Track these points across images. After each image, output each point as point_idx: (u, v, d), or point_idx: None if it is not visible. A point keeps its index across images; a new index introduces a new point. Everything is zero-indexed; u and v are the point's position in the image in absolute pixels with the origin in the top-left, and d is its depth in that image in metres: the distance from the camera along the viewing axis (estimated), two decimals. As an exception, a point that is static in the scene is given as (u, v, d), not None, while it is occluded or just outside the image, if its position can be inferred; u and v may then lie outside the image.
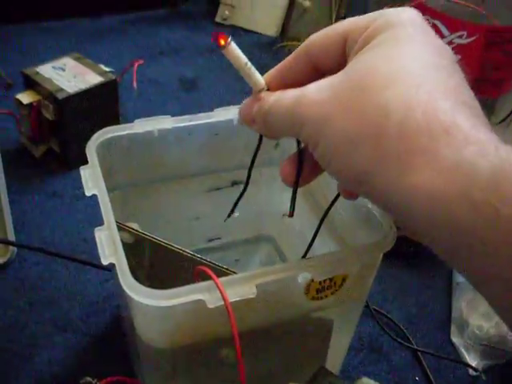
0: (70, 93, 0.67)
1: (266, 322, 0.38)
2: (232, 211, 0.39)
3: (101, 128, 0.41)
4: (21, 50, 0.96)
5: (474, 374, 0.54)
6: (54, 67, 0.71)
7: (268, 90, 0.29)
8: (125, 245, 0.33)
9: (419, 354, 0.55)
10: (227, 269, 0.38)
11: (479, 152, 0.21)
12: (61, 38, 1.01)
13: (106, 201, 0.36)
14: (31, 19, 1.03)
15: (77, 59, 0.74)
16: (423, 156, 0.22)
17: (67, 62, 0.73)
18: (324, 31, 0.28)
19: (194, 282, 0.32)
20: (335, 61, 0.28)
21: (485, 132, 0.22)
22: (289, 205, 0.34)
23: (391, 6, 0.27)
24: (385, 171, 0.23)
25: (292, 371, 0.45)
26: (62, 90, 0.67)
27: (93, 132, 0.41)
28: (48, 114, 0.68)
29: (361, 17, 0.27)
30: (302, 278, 0.35)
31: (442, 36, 0.61)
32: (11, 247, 0.59)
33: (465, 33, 0.62)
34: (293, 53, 0.29)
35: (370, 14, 0.26)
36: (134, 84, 0.79)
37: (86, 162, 0.39)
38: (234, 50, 0.28)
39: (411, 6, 0.27)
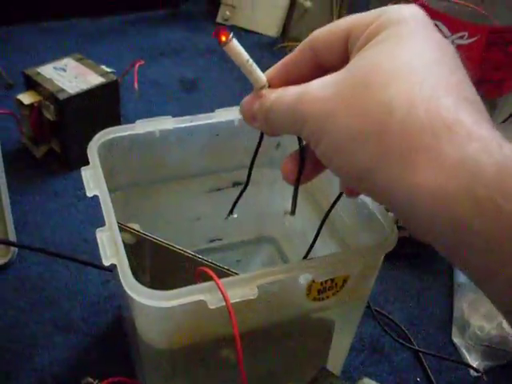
0: (71, 93, 0.67)
1: (267, 322, 0.38)
2: (232, 209, 0.39)
3: (102, 129, 0.41)
4: (22, 51, 0.96)
5: (476, 374, 0.54)
6: (55, 68, 0.71)
7: (269, 86, 0.29)
8: (126, 245, 0.33)
9: (420, 354, 0.55)
10: (228, 269, 0.38)
11: (483, 149, 0.21)
12: (61, 39, 1.01)
13: (108, 202, 0.36)
14: (32, 20, 1.03)
15: (78, 60, 0.74)
16: (426, 153, 0.21)
17: (68, 62, 0.73)
18: (327, 27, 0.28)
19: (195, 282, 0.32)
20: (338, 57, 0.28)
21: (487, 128, 0.22)
22: (290, 203, 0.34)
23: (394, 3, 0.27)
24: (387, 168, 0.23)
25: (293, 372, 0.45)
26: (63, 90, 0.67)
27: (94, 133, 0.41)
28: (49, 115, 0.68)
29: (364, 13, 0.27)
30: (304, 278, 0.35)
31: (443, 36, 0.61)
32: (12, 247, 0.59)
33: (466, 33, 0.62)
34: (295, 49, 0.29)
35: (373, 10, 0.26)
36: (135, 85, 0.79)
37: (86, 162, 0.39)
38: (236, 47, 0.27)
39: None
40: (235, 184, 0.50)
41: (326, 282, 0.36)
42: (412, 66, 0.23)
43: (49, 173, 0.72)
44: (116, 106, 0.74)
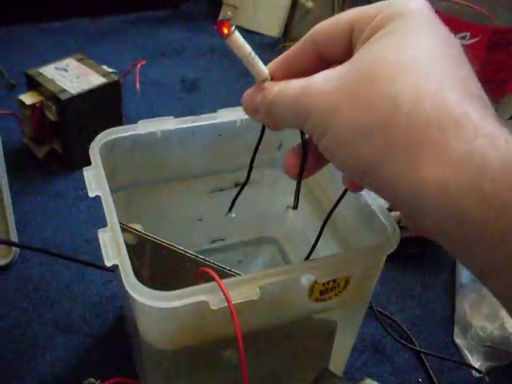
0: (73, 94, 0.67)
1: (269, 323, 0.38)
2: (232, 205, 0.38)
3: (103, 129, 0.41)
4: (22, 51, 0.96)
5: (478, 375, 0.54)
6: (56, 68, 0.71)
7: (271, 80, 0.29)
8: (128, 246, 0.33)
9: (422, 355, 0.55)
10: (230, 270, 0.38)
11: (489, 143, 0.21)
12: (62, 39, 1.01)
13: (110, 202, 0.36)
14: (32, 20, 1.03)
15: (80, 60, 0.74)
16: (432, 147, 0.21)
17: (70, 62, 0.73)
18: (330, 20, 0.28)
19: (196, 283, 0.32)
20: (341, 50, 0.27)
21: (493, 123, 0.22)
22: (293, 198, 0.34)
23: None
24: (393, 162, 0.22)
25: (295, 372, 0.45)
26: (64, 90, 0.67)
27: (95, 133, 0.41)
28: (51, 115, 0.68)
29: (368, 6, 0.26)
30: (306, 279, 0.35)
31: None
32: (14, 248, 0.59)
33: (468, 34, 0.62)
34: (298, 42, 0.29)
35: (378, 3, 0.26)
36: (137, 85, 0.79)
37: (88, 162, 0.39)
38: (238, 40, 0.27)
39: None
40: (237, 184, 0.50)
41: (328, 282, 0.35)
42: (418, 59, 0.23)
43: (50, 173, 0.72)
44: (118, 106, 0.74)
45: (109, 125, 0.43)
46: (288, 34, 1.07)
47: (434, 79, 0.22)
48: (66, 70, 0.71)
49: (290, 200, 0.34)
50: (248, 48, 0.28)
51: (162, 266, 0.42)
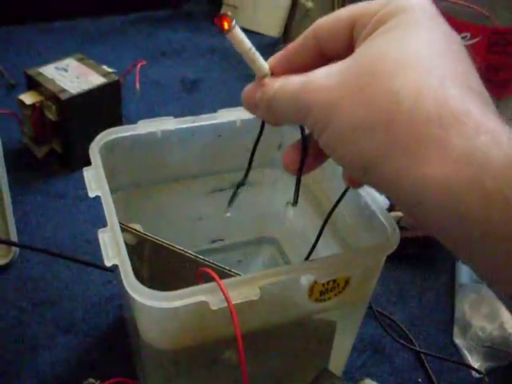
0: (73, 93, 0.67)
1: (269, 323, 0.38)
2: (231, 200, 0.38)
3: (103, 129, 0.41)
4: (22, 51, 0.96)
5: (477, 375, 0.54)
6: (56, 68, 0.71)
7: (271, 75, 0.29)
8: (128, 246, 0.33)
9: (422, 355, 0.55)
10: (230, 270, 0.38)
11: (491, 140, 0.21)
12: (62, 39, 1.01)
13: (110, 202, 0.36)
14: (32, 20, 1.03)
15: (80, 60, 0.74)
16: (434, 144, 0.21)
17: (70, 62, 0.73)
18: (332, 15, 0.28)
19: (196, 283, 0.32)
20: (342, 45, 0.27)
21: (495, 120, 0.22)
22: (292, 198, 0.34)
23: None
24: (394, 158, 0.22)
25: (295, 372, 0.45)
26: (64, 90, 0.67)
27: (95, 133, 0.41)
28: (51, 115, 0.68)
29: (370, 1, 0.26)
30: (305, 279, 0.35)
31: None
32: (14, 248, 0.59)
33: (468, 34, 0.62)
34: (299, 37, 0.29)
35: None
36: (137, 85, 0.79)
37: (88, 162, 0.39)
38: (239, 35, 0.27)
39: None
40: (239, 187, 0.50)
41: (328, 283, 0.36)
42: (420, 55, 0.23)
43: (50, 173, 0.72)
44: (117, 106, 0.74)
45: (109, 125, 0.43)
46: (288, 34, 1.07)
47: (435, 75, 0.22)
48: (65, 70, 0.71)
49: (290, 198, 0.34)
50: (248, 43, 0.28)
51: (162, 266, 0.42)
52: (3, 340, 0.52)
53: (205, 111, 0.45)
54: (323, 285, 0.35)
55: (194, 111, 0.45)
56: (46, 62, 0.72)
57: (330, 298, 0.37)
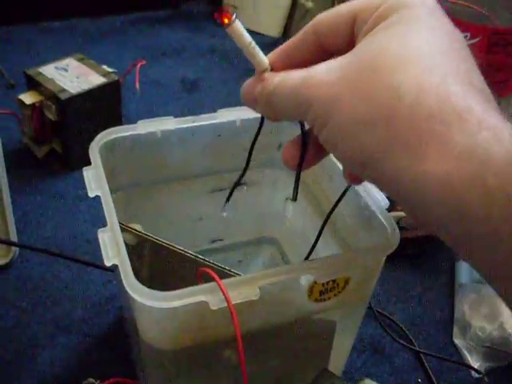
0: (73, 93, 0.67)
1: (269, 323, 0.38)
2: (230, 194, 0.38)
3: (103, 129, 0.41)
4: (22, 51, 0.96)
5: (477, 376, 0.54)
6: (56, 68, 0.71)
7: (271, 70, 0.29)
8: (127, 246, 0.33)
9: (421, 355, 0.55)
10: (230, 270, 0.38)
11: (493, 137, 0.20)
12: (62, 39, 1.01)
13: (110, 202, 0.36)
14: (32, 20, 1.03)
15: (79, 60, 0.74)
16: (435, 141, 0.21)
17: (70, 62, 0.73)
18: (332, 10, 0.27)
19: (196, 283, 0.32)
20: (343, 41, 0.27)
21: (496, 117, 0.22)
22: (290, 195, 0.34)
23: None
24: (394, 155, 0.22)
25: (294, 373, 0.45)
26: (64, 90, 0.67)
27: (95, 133, 0.41)
28: (50, 115, 0.68)
29: None
30: (305, 279, 0.35)
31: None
32: (13, 248, 0.59)
33: (468, 34, 0.62)
34: (299, 32, 0.29)
35: None
36: (137, 85, 0.79)
37: (88, 162, 0.39)
38: (239, 29, 0.27)
39: None
40: (237, 185, 0.50)
41: (327, 283, 0.36)
42: (422, 51, 0.23)
43: (50, 173, 0.72)
44: (117, 106, 0.74)
45: (108, 125, 0.43)
46: (288, 34, 1.07)
47: (438, 72, 0.22)
48: (65, 70, 0.71)
49: (290, 194, 0.34)
50: (248, 37, 0.28)
51: (162, 266, 0.42)
52: (3, 340, 0.52)
53: (205, 111, 0.45)
54: (323, 285, 0.35)
55: (194, 111, 0.45)
56: (45, 61, 0.72)
57: (329, 298, 0.37)
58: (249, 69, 0.28)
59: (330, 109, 0.24)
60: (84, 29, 1.06)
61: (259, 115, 0.31)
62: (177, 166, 0.47)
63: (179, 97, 0.90)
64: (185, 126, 0.44)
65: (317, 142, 0.27)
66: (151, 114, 0.81)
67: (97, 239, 0.33)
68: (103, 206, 0.36)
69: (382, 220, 0.38)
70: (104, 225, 0.34)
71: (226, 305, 0.30)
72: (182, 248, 0.40)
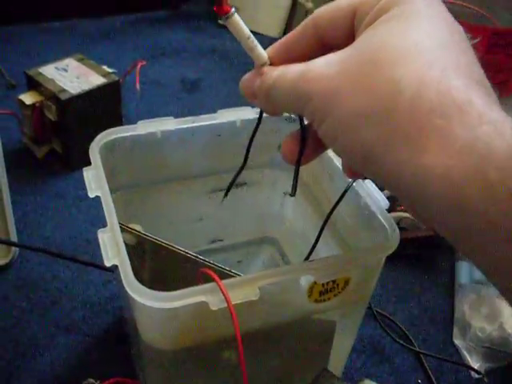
0: (73, 94, 0.67)
1: (269, 324, 0.38)
2: (229, 189, 0.38)
3: (103, 129, 0.41)
4: (22, 51, 0.96)
5: (477, 376, 0.54)
6: (56, 68, 0.71)
7: (270, 64, 0.29)
8: (127, 246, 0.33)
9: (421, 356, 0.55)
10: (230, 270, 0.38)
11: (494, 131, 0.20)
12: (62, 39, 1.01)
13: (109, 202, 0.36)
14: (32, 20, 1.03)
15: (79, 60, 0.74)
16: (435, 134, 0.21)
17: (70, 62, 0.73)
18: (332, 4, 0.27)
19: (196, 283, 0.32)
20: (342, 34, 0.27)
21: (497, 110, 0.21)
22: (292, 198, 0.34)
23: None
24: (394, 148, 0.22)
25: (294, 373, 0.45)
26: (64, 90, 0.67)
27: (95, 133, 0.41)
28: (50, 115, 0.68)
29: None
30: (305, 280, 0.35)
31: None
32: (13, 248, 0.59)
33: (468, 35, 0.62)
34: (299, 26, 0.29)
35: None
36: (137, 85, 0.79)
37: (88, 163, 0.39)
38: (238, 22, 0.27)
39: None
40: (237, 185, 0.50)
41: (327, 283, 0.36)
42: (423, 45, 0.23)
43: (50, 173, 0.72)
44: (117, 107, 0.74)
45: (108, 125, 0.43)
46: (288, 35, 1.07)
47: (438, 65, 0.22)
48: (65, 70, 0.71)
49: (288, 190, 0.34)
50: (247, 31, 0.28)
51: (162, 266, 0.42)
52: (3, 340, 0.52)
53: (205, 111, 0.45)
54: (323, 285, 0.35)
55: (194, 111, 0.45)
56: (46, 62, 0.72)
57: (329, 299, 0.37)
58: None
59: (330, 102, 0.24)
60: (84, 29, 1.06)
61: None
62: (177, 166, 0.47)
63: (179, 97, 0.90)
64: (185, 126, 0.44)
65: (316, 137, 0.27)
66: (151, 114, 0.81)
67: (97, 239, 0.33)
68: (103, 206, 0.36)
69: (382, 220, 0.38)
70: (104, 225, 0.34)
71: (225, 305, 0.30)
72: (181, 248, 0.40)
